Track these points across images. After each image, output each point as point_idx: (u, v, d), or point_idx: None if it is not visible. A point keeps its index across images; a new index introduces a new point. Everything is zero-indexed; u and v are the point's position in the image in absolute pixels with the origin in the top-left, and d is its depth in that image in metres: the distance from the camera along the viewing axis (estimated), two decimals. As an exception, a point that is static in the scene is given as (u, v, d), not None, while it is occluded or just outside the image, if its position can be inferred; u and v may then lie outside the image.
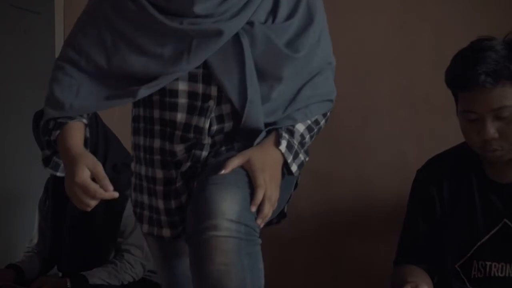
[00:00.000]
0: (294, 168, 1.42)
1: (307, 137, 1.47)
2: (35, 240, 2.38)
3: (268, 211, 1.32)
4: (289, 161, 1.40)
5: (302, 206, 2.53)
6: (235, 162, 1.33)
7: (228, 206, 1.25)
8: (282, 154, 1.39)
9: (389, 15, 2.51)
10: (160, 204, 1.50)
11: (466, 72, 1.56)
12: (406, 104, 2.48)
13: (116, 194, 1.34)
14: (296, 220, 2.52)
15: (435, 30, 2.46)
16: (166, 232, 1.52)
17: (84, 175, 1.32)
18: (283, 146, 1.39)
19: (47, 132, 1.45)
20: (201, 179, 1.35)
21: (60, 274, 2.22)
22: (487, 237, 1.65)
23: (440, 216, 1.70)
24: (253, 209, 1.30)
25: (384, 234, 2.39)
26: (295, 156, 1.42)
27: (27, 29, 3.06)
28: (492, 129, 1.56)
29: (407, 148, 2.47)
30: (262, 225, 1.32)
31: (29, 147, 2.88)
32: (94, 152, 2.24)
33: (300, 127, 1.45)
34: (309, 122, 1.47)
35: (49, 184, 2.33)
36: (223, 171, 1.31)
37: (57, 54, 2.97)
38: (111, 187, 1.33)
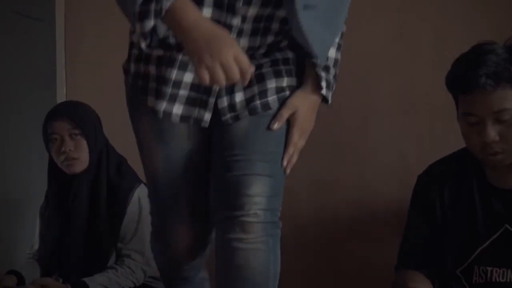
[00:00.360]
0: (330, 99, 1.50)
1: (339, 56, 1.52)
2: (36, 246, 2.36)
3: (295, 160, 1.48)
4: (328, 98, 1.49)
5: (303, 211, 2.53)
6: (284, 116, 1.45)
7: (259, 198, 1.40)
8: (323, 96, 1.48)
9: (389, 15, 2.51)
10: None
11: (467, 75, 1.56)
12: (406, 104, 2.48)
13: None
14: (297, 225, 2.53)
15: (435, 30, 2.46)
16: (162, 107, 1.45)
17: (229, 54, 1.24)
18: (324, 90, 1.46)
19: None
20: (231, 158, 1.41)
21: (61, 280, 2.22)
22: (488, 242, 1.65)
23: (441, 221, 1.70)
24: (285, 163, 1.46)
25: (385, 239, 2.38)
26: (332, 88, 1.50)
27: (27, 30, 3.05)
28: (492, 132, 1.56)
29: (407, 148, 2.47)
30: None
31: (29, 147, 2.89)
32: (99, 155, 2.25)
33: (332, 53, 1.49)
34: (337, 40, 1.51)
35: (50, 193, 2.32)
36: (275, 126, 1.43)
37: (57, 54, 3.00)
38: (249, 75, 1.28)
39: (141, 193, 2.22)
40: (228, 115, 1.44)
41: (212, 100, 1.44)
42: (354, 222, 2.52)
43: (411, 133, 2.47)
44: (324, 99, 1.49)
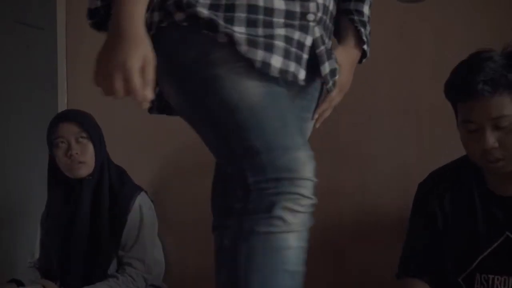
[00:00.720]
0: (368, 54, 1.52)
1: (370, 14, 1.54)
2: (37, 255, 2.36)
3: (327, 115, 1.50)
4: (368, 53, 1.52)
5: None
6: None
7: None
8: (364, 50, 1.50)
9: (389, 15, 2.51)
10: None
11: (465, 82, 1.58)
12: (406, 104, 2.48)
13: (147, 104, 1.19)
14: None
15: (435, 30, 2.45)
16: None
17: (137, 63, 1.15)
18: (365, 46, 1.50)
19: None
20: None
21: (62, 289, 2.23)
22: (489, 250, 1.65)
23: (442, 229, 1.71)
24: (316, 115, 1.47)
25: (386, 245, 2.37)
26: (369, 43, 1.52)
27: (28, 30, 3.06)
28: (491, 138, 1.56)
29: (407, 148, 2.46)
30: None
31: (29, 148, 2.89)
32: (102, 162, 2.25)
33: (367, 10, 1.52)
34: None
35: (50, 198, 2.32)
36: None
37: (58, 54, 3.00)
38: (150, 96, 1.17)
39: (141, 201, 2.23)
40: (331, 82, 1.40)
41: (305, 56, 1.32)
42: (355, 228, 2.52)
43: (411, 133, 2.47)
44: (363, 54, 1.51)
